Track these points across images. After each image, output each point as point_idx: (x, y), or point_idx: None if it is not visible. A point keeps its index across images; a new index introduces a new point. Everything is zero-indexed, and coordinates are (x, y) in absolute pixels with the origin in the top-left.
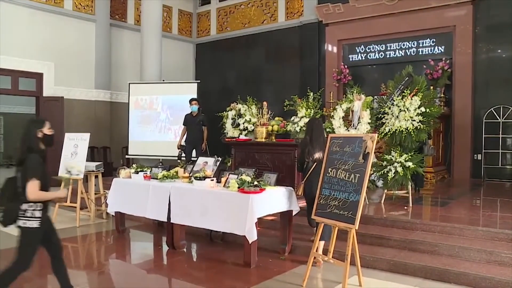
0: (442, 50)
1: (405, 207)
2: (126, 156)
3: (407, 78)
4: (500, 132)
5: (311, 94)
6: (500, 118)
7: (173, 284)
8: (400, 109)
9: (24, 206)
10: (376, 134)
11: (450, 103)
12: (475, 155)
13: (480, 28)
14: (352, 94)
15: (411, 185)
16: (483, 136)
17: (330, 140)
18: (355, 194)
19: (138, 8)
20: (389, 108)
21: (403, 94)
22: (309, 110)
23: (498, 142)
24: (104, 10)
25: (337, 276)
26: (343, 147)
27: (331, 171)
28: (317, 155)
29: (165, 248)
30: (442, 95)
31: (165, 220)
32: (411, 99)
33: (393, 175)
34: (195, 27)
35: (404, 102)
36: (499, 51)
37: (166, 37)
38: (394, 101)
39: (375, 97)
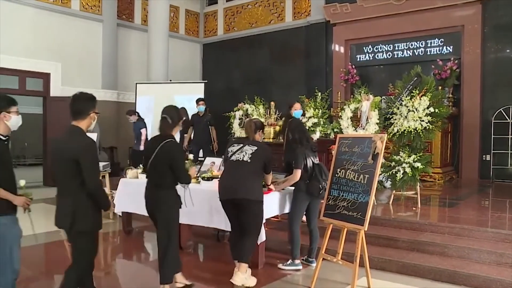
0: (451, 50)
1: (414, 208)
2: None
3: (415, 78)
4: (509, 133)
5: (319, 94)
6: (509, 118)
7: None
8: (408, 110)
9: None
10: (386, 135)
11: (458, 103)
12: (484, 156)
13: (488, 27)
14: (360, 94)
15: (419, 186)
16: (492, 136)
17: (338, 141)
18: (364, 195)
19: (145, 8)
20: (398, 108)
21: (412, 94)
22: (317, 110)
23: (507, 142)
24: (111, 10)
25: (345, 277)
26: (352, 148)
27: (339, 171)
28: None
29: None
30: (450, 95)
31: None
32: (420, 99)
33: (401, 175)
34: (202, 27)
35: (412, 102)
36: (508, 51)
37: (173, 37)
38: (402, 101)
39: (383, 97)
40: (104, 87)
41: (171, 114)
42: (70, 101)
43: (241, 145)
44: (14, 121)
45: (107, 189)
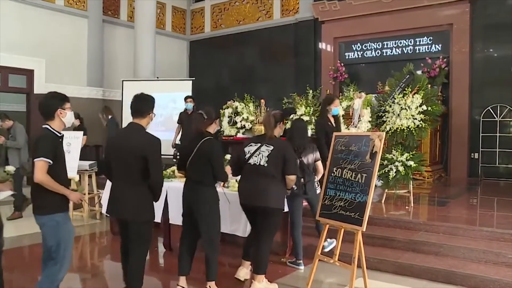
0: (439, 49)
1: (406, 207)
2: None
3: (408, 76)
4: (497, 131)
5: (311, 91)
6: (497, 117)
7: (171, 286)
8: (401, 107)
9: None
10: (384, 133)
11: (447, 102)
12: (472, 154)
13: (477, 26)
14: (350, 92)
15: (412, 185)
16: (480, 134)
17: (335, 139)
18: (362, 194)
19: (131, 4)
20: (390, 106)
21: (404, 92)
22: (308, 108)
23: (495, 140)
24: (96, 6)
25: (340, 278)
26: (348, 146)
27: (336, 170)
28: None
29: (161, 249)
30: (439, 94)
31: (159, 221)
32: (413, 97)
33: (394, 174)
34: (189, 24)
35: (405, 100)
36: (496, 49)
37: (159, 34)
38: (395, 99)
39: (374, 95)
40: (89, 84)
41: (207, 110)
42: (132, 100)
43: (258, 145)
44: (68, 117)
45: (94, 189)
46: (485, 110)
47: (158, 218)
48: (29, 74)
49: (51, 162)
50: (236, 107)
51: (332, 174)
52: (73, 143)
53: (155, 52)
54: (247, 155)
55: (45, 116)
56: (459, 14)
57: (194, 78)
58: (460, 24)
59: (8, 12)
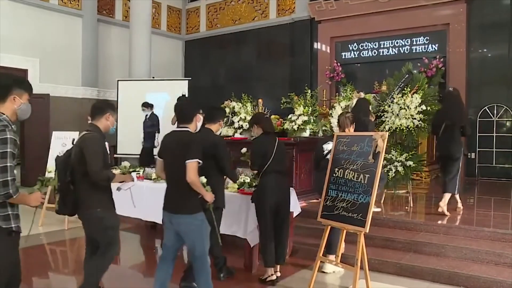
0: (436, 48)
1: (406, 208)
2: (115, 155)
3: (407, 75)
4: (494, 131)
5: (309, 91)
6: (494, 116)
7: None
8: (400, 107)
9: None
10: (387, 133)
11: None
12: (469, 154)
13: (473, 26)
14: (347, 91)
15: (411, 185)
16: (477, 134)
17: (336, 139)
18: (365, 195)
19: (126, 4)
20: (389, 106)
21: (403, 91)
22: (307, 108)
23: (492, 140)
24: (91, 5)
25: (342, 280)
26: (350, 146)
27: (337, 171)
28: None
29: (160, 251)
30: (436, 93)
31: (160, 222)
32: (412, 96)
33: (393, 174)
34: (184, 23)
35: (404, 100)
36: (492, 49)
37: (154, 34)
38: (394, 98)
39: (373, 95)
40: (84, 84)
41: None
42: (208, 108)
43: None
44: (200, 122)
45: None
46: (482, 110)
47: (159, 220)
48: (23, 74)
49: (201, 162)
50: (233, 107)
51: (334, 175)
52: (68, 144)
53: (150, 51)
54: (325, 151)
55: (183, 120)
56: (456, 14)
57: (190, 78)
58: (457, 24)
59: (1, 11)
